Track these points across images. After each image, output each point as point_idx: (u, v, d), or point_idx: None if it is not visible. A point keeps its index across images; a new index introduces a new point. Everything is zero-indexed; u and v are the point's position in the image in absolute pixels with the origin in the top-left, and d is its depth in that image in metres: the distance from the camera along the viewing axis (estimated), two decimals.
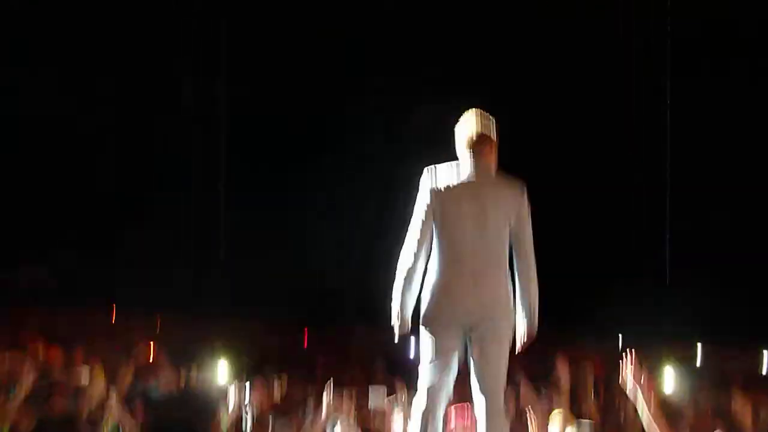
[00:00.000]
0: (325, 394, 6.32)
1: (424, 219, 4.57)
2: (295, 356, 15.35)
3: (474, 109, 4.78)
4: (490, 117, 4.77)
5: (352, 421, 6.03)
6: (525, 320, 4.62)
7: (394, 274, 4.62)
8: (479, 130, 4.67)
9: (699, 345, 21.52)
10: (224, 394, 7.05)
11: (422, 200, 4.60)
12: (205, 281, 23.77)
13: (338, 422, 5.67)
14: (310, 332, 22.93)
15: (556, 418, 5.75)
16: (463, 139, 4.69)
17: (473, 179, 4.62)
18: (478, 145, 4.66)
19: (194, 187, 19.55)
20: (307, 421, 6.51)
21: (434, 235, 4.59)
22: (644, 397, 4.12)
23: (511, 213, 4.60)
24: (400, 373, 8.55)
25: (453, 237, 4.55)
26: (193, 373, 7.86)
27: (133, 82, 15.84)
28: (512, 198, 4.65)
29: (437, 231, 4.58)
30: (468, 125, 4.71)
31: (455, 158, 4.75)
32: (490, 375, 4.54)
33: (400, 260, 4.59)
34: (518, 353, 4.68)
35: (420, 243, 4.55)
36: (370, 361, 12.82)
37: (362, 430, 6.27)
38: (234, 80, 17.03)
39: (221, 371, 7.42)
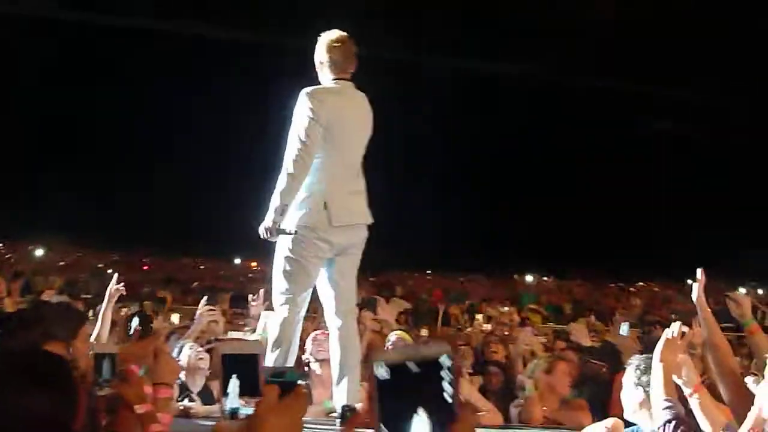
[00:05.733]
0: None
1: (312, 134, 4.52)
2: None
3: (340, 32, 4.78)
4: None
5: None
6: None
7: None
8: (353, 54, 4.76)
9: None
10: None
11: (309, 117, 4.54)
12: (41, 215, 23.09)
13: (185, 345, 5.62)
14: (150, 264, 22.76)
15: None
16: (340, 60, 4.72)
17: (351, 97, 4.73)
18: (350, 67, 4.75)
19: None
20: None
21: (320, 150, 4.58)
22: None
23: (370, 126, 4.79)
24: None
25: (338, 154, 4.61)
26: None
27: None
28: (370, 112, 4.81)
29: (324, 146, 4.57)
30: (346, 48, 4.75)
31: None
32: (349, 299, 4.73)
33: (288, 169, 4.52)
34: None
35: (311, 156, 4.53)
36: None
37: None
38: None
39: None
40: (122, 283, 5.55)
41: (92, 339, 4.43)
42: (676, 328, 3.38)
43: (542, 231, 25.44)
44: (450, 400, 1.24)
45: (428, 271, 26.21)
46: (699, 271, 4.00)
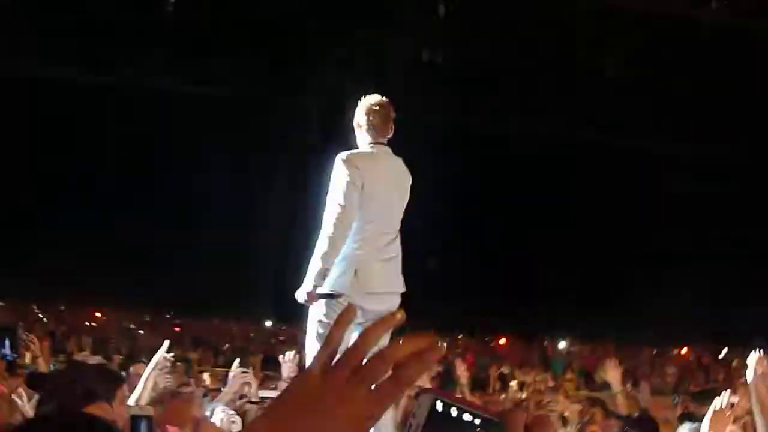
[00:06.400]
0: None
1: (350, 199, 4.59)
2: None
3: (380, 97, 4.83)
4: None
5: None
6: None
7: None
8: (391, 119, 4.83)
9: None
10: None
11: (347, 182, 4.61)
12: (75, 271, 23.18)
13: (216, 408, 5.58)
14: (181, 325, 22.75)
15: None
16: (379, 125, 4.80)
17: (388, 163, 4.79)
18: (388, 132, 4.84)
19: None
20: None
21: (356, 216, 4.64)
22: None
23: (408, 191, 4.87)
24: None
25: (373, 220, 4.62)
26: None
27: None
28: (408, 177, 4.88)
29: (360, 212, 4.63)
30: (385, 113, 4.82)
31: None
32: None
33: (328, 234, 4.57)
34: None
35: (350, 220, 4.58)
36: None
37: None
38: None
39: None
40: (171, 353, 5.50)
41: (130, 401, 4.40)
42: (725, 399, 3.32)
43: (573, 292, 25.07)
44: None
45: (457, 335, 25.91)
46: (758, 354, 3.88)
